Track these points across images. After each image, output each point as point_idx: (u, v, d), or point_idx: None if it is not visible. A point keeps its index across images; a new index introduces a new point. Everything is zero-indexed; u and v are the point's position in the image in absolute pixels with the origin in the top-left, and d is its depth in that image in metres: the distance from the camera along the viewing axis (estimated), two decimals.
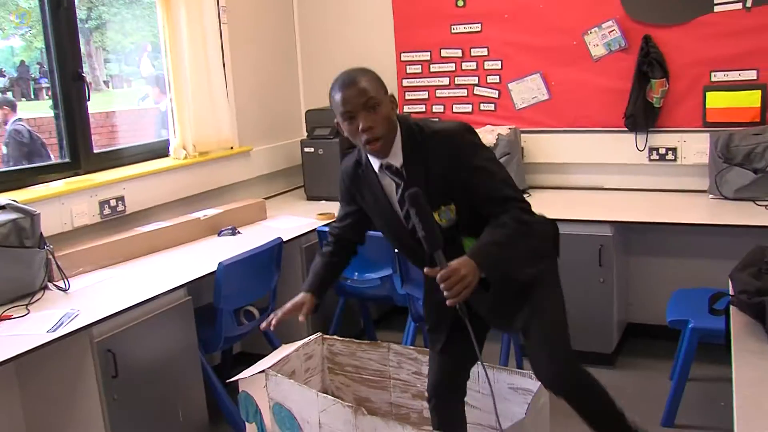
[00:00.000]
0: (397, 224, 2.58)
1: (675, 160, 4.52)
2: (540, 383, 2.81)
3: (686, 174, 4.52)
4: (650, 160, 4.57)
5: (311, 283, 2.75)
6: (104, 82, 10.19)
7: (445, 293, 2.24)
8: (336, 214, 2.90)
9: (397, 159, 2.48)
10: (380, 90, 2.44)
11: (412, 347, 3.31)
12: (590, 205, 4.41)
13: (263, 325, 2.74)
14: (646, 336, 4.59)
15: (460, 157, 2.44)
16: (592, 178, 4.77)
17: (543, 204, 4.43)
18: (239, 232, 4.18)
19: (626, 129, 4.56)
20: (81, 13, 3.94)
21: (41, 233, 3.35)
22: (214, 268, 3.52)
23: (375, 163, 2.53)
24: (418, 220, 2.29)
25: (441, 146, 2.46)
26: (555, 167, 4.86)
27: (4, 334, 2.88)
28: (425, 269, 2.34)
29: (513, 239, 2.39)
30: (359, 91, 2.38)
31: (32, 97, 13.26)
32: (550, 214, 4.16)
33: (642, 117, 4.47)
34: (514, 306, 2.65)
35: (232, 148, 4.74)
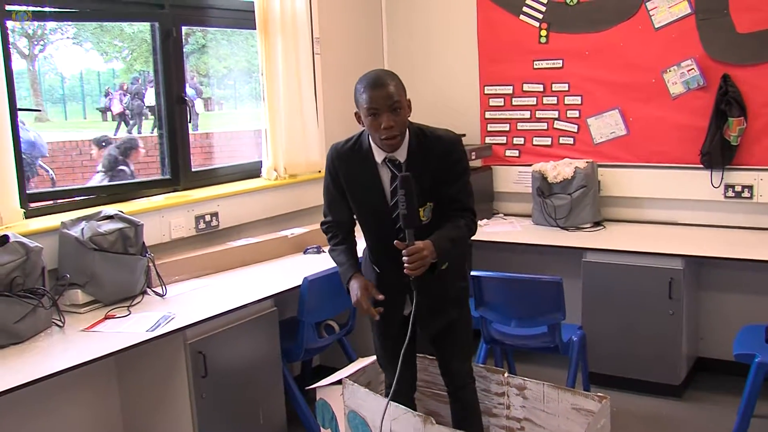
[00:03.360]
0: (383, 208, 2.89)
1: (751, 197, 4.55)
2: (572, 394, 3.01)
3: (762, 212, 4.55)
4: (725, 197, 4.62)
5: (351, 265, 3.02)
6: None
7: (406, 265, 2.69)
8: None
9: (401, 155, 2.83)
10: (403, 95, 2.77)
11: (482, 365, 3.45)
12: (663, 238, 4.47)
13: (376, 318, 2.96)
14: (717, 371, 4.62)
15: (453, 160, 2.87)
16: (667, 213, 4.84)
17: (617, 237, 4.56)
18: (324, 251, 4.38)
19: (702, 166, 4.63)
20: None
21: (143, 242, 3.65)
22: (299, 283, 3.75)
23: (378, 155, 2.85)
24: (404, 200, 2.66)
25: (441, 149, 2.86)
26: (630, 201, 4.95)
27: (108, 331, 3.16)
28: (395, 241, 2.72)
29: (462, 240, 2.93)
30: (387, 94, 2.70)
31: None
32: (623, 247, 4.31)
33: (718, 154, 4.53)
34: (442, 312, 3.01)
35: (320, 171, 4.98)
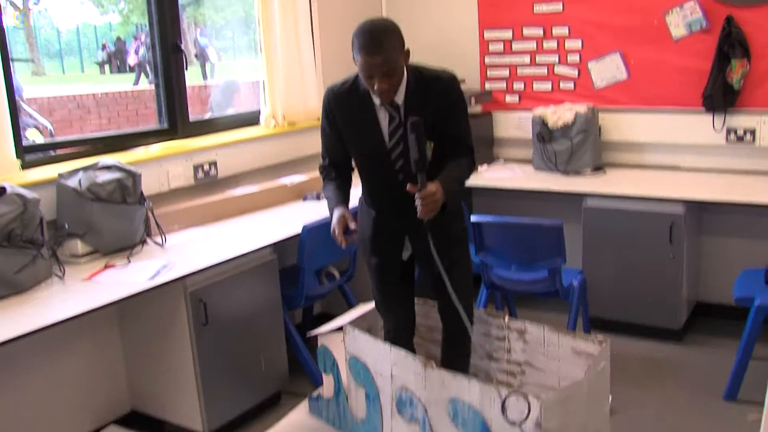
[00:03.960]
0: (382, 150, 2.88)
1: (753, 141, 4.52)
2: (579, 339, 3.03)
3: (764, 156, 4.52)
4: (727, 141, 4.58)
5: (339, 200, 3.01)
6: (195, 56, 10.45)
7: (419, 208, 2.67)
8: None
9: (399, 98, 2.80)
10: (399, 53, 2.70)
11: (482, 309, 3.46)
12: (664, 183, 4.45)
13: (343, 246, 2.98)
14: (717, 316, 4.64)
15: (452, 100, 2.86)
16: (668, 157, 4.81)
17: (617, 181, 4.54)
18: (324, 199, 4.37)
19: (704, 109, 4.58)
20: None
21: (142, 192, 3.63)
22: (299, 231, 3.75)
23: (376, 98, 2.81)
24: (415, 144, 2.64)
25: (440, 88, 2.83)
26: (631, 146, 4.92)
27: (108, 281, 3.16)
28: (408, 185, 2.68)
29: (465, 179, 2.93)
30: (380, 62, 2.63)
31: (126, 70, 13.73)
32: (624, 191, 4.29)
33: (720, 97, 4.48)
34: (443, 253, 2.91)
35: (318, 119, 4.93)
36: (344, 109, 2.91)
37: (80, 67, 16.08)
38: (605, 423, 3.11)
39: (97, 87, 8.71)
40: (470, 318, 3.20)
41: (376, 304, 3.30)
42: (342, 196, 3.05)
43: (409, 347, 3.21)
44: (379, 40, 2.65)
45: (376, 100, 2.82)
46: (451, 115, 2.86)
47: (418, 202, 2.68)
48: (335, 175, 3.08)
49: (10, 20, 5.40)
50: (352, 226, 2.94)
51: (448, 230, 3.01)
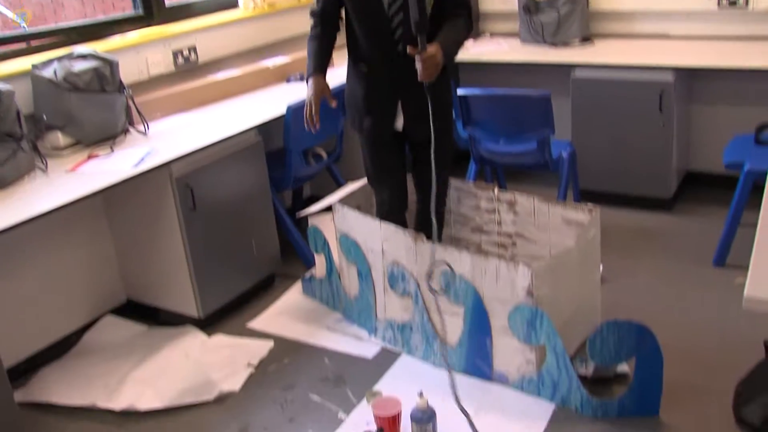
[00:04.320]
0: (380, 13, 2.85)
1: (747, 6, 4.38)
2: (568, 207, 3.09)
3: (756, 20, 4.40)
4: (719, 6, 4.45)
5: (318, 65, 3.03)
6: None
7: (420, 71, 2.65)
8: None
9: None
10: None
11: (471, 182, 3.44)
12: (654, 51, 4.36)
13: (311, 129, 3.02)
14: (707, 184, 4.63)
15: None
16: (658, 25, 4.68)
17: (606, 52, 4.46)
18: None
19: None
20: None
21: (120, 80, 3.54)
22: (284, 112, 3.68)
23: None
24: (416, 4, 2.56)
25: None
26: (620, 15, 4.78)
27: (93, 171, 3.11)
28: (408, 48, 2.66)
29: (463, 41, 2.93)
30: None
31: None
32: (613, 61, 4.22)
33: None
34: (428, 121, 2.85)
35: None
36: None
37: None
38: (596, 291, 3.16)
39: None
40: (445, 190, 3.23)
41: (368, 175, 3.27)
42: (323, 59, 3.05)
43: (401, 220, 3.21)
44: None
45: None
46: None
47: (418, 65, 2.65)
48: (321, 29, 3.06)
49: None
50: (333, 104, 2.90)
51: (442, 98, 2.99)
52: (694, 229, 4.14)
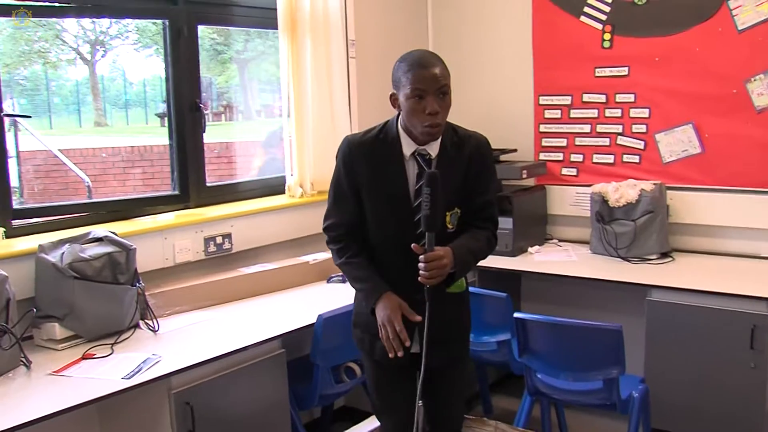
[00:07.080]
0: (405, 208, 2.57)
1: None
2: None
3: None
4: None
5: (379, 282, 2.59)
6: (215, 114, 10.30)
7: (422, 272, 2.39)
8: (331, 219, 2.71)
9: (433, 150, 2.56)
10: (450, 79, 2.51)
11: (520, 429, 2.93)
12: (743, 275, 3.90)
13: (400, 353, 2.50)
14: None
15: (485, 163, 2.66)
16: (748, 244, 4.24)
17: (688, 271, 4.03)
18: None
19: None
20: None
21: (136, 269, 3.22)
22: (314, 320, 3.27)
23: (407, 147, 2.56)
24: (429, 200, 2.36)
25: (475, 149, 2.62)
26: (704, 230, 4.37)
27: (82, 376, 2.74)
28: (413, 245, 2.41)
29: (482, 255, 2.66)
30: (436, 75, 2.43)
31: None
32: (696, 285, 3.74)
33: None
34: (445, 344, 2.62)
35: None
36: (368, 160, 2.58)
37: (145, 118, 16.09)
38: None
39: (134, 139, 8.45)
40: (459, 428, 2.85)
41: (371, 402, 2.84)
42: (379, 275, 2.61)
43: None
44: (431, 58, 2.50)
45: (407, 150, 2.55)
46: (483, 179, 2.65)
47: (421, 265, 2.39)
48: (354, 246, 2.66)
49: (78, 73, 5.87)
50: (417, 318, 2.48)
51: (457, 317, 2.71)
52: None
